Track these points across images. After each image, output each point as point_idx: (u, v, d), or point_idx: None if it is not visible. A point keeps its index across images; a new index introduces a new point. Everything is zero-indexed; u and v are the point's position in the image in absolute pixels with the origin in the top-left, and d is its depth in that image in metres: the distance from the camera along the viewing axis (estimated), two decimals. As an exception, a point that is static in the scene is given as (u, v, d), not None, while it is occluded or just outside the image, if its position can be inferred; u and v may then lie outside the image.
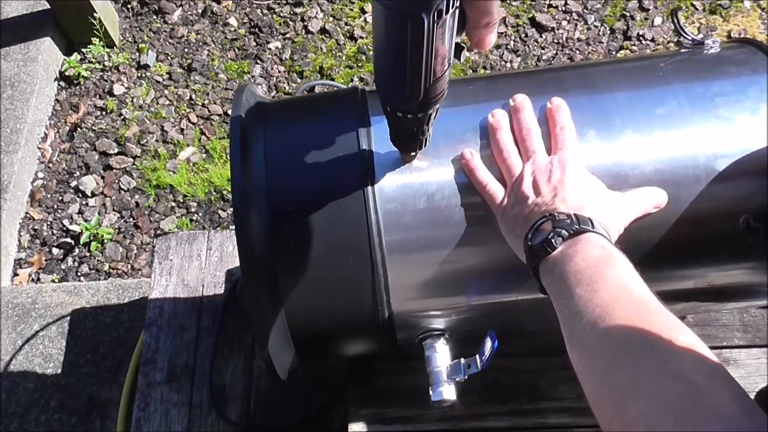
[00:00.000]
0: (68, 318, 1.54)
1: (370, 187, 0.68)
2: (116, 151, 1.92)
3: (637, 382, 0.48)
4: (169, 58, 2.08)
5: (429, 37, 0.49)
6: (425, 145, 0.65)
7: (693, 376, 0.46)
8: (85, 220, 1.81)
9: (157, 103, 2.00)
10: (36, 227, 1.83)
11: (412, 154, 0.67)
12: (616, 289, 0.54)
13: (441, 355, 0.75)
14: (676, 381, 0.46)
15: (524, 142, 0.68)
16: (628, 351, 0.50)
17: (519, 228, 0.63)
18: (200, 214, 1.82)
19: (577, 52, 2.02)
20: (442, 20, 0.48)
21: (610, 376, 0.51)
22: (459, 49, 0.56)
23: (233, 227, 1.26)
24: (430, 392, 0.74)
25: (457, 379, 0.74)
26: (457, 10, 0.50)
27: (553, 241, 0.59)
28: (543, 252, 0.59)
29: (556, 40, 2.05)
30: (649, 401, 0.46)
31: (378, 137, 0.69)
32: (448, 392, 0.73)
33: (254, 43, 2.09)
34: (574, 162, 0.65)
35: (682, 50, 0.78)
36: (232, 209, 1.78)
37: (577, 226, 0.59)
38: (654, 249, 0.69)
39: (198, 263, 1.20)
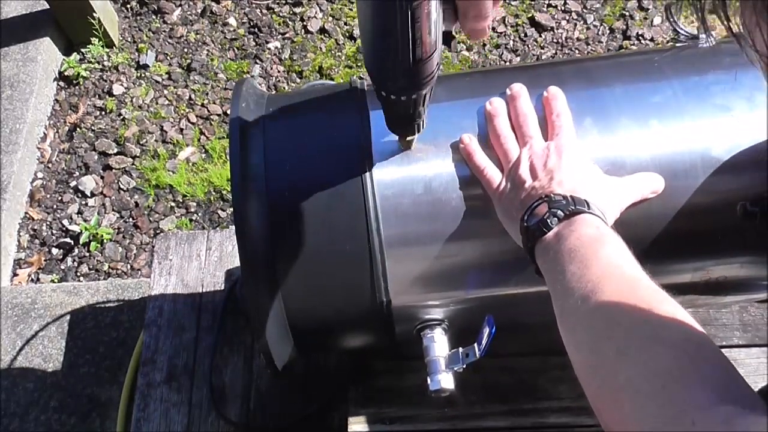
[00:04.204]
0: (68, 318, 1.54)
1: (368, 174, 0.68)
2: (115, 151, 1.92)
3: (626, 350, 0.49)
4: (168, 57, 2.08)
5: (408, 17, 0.49)
6: (422, 130, 0.65)
7: (681, 344, 0.48)
8: (85, 220, 1.81)
9: (157, 103, 1.99)
10: (35, 227, 1.83)
11: (409, 139, 0.67)
12: (608, 266, 0.55)
13: (439, 345, 0.75)
14: (664, 348, 0.48)
15: (521, 127, 0.68)
16: (619, 322, 0.51)
17: (515, 211, 0.64)
18: (200, 214, 1.82)
19: (577, 51, 2.02)
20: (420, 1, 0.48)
21: (600, 346, 0.52)
22: (449, 36, 0.56)
23: (233, 227, 1.26)
24: (428, 381, 0.74)
25: (455, 369, 0.74)
26: None
27: (548, 221, 0.59)
28: (539, 232, 0.60)
29: (555, 40, 2.05)
30: (637, 367, 0.47)
31: (376, 127, 0.70)
32: (446, 381, 0.73)
33: (253, 43, 2.09)
34: (571, 147, 0.65)
35: (678, 45, 0.78)
36: (231, 209, 1.78)
37: (573, 207, 0.59)
38: (651, 240, 0.69)
39: (197, 263, 1.20)
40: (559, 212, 0.59)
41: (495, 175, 0.67)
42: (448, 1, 0.53)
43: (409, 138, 0.68)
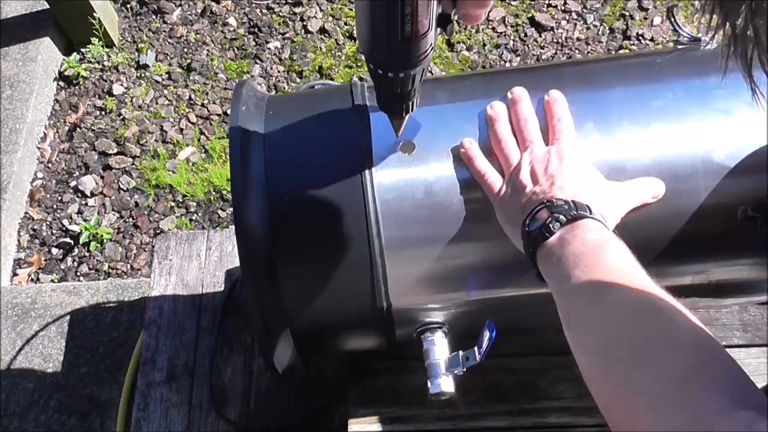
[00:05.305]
0: (68, 318, 1.54)
1: (368, 178, 0.68)
2: (115, 151, 1.92)
3: (640, 355, 0.49)
4: (168, 57, 2.08)
5: None
6: (413, 110, 0.64)
7: (695, 349, 0.47)
8: (85, 220, 1.81)
9: (157, 103, 1.99)
10: (35, 227, 1.83)
11: (401, 120, 0.67)
12: (614, 270, 0.54)
13: (439, 348, 0.75)
14: (678, 352, 0.47)
15: (522, 132, 0.68)
16: (630, 327, 0.51)
17: (516, 216, 0.63)
18: (199, 214, 1.82)
19: (577, 51, 2.02)
20: None
21: (611, 351, 0.51)
22: (447, 21, 0.56)
23: (233, 227, 1.25)
24: (429, 385, 0.74)
25: (455, 372, 0.74)
26: None
27: (551, 226, 0.59)
28: (541, 237, 0.60)
29: (555, 40, 2.05)
30: (653, 372, 0.47)
31: (376, 130, 0.70)
32: (446, 384, 0.73)
33: (253, 43, 2.09)
34: (572, 152, 0.65)
35: (680, 47, 0.78)
36: (231, 209, 1.78)
37: (575, 212, 0.59)
38: (652, 244, 0.69)
39: (197, 263, 1.20)
40: (562, 217, 0.59)
41: (496, 180, 0.67)
42: None
43: (399, 120, 0.67)
